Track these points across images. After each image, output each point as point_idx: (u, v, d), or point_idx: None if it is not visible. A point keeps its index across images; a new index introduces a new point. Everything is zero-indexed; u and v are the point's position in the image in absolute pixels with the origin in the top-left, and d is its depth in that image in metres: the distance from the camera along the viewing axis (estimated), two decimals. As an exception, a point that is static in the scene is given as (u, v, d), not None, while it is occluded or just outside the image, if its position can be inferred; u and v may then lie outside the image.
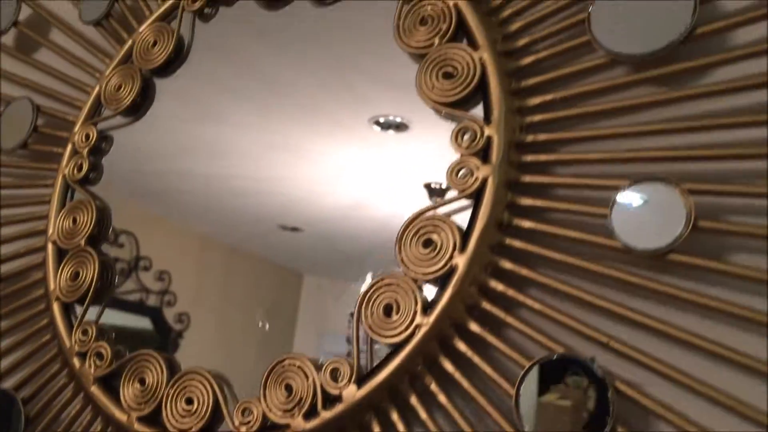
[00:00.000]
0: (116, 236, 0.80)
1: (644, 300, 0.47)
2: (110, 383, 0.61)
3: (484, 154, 0.51)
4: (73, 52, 0.78)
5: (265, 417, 0.54)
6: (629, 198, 0.47)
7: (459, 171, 0.52)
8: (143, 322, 0.93)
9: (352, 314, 0.59)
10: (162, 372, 0.59)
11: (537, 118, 0.52)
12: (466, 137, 0.52)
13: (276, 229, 0.79)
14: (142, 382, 0.60)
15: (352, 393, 0.51)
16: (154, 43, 0.69)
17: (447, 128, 0.53)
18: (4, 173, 0.77)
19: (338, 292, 0.73)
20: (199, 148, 0.74)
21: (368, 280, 0.59)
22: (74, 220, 0.67)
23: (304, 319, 0.77)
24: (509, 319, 0.50)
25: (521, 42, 0.54)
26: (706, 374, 0.44)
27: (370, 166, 0.65)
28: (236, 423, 0.55)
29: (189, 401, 0.57)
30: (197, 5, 0.68)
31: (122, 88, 0.69)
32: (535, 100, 0.53)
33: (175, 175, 0.78)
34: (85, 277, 0.65)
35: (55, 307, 0.65)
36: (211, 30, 0.70)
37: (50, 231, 0.68)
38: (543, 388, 0.47)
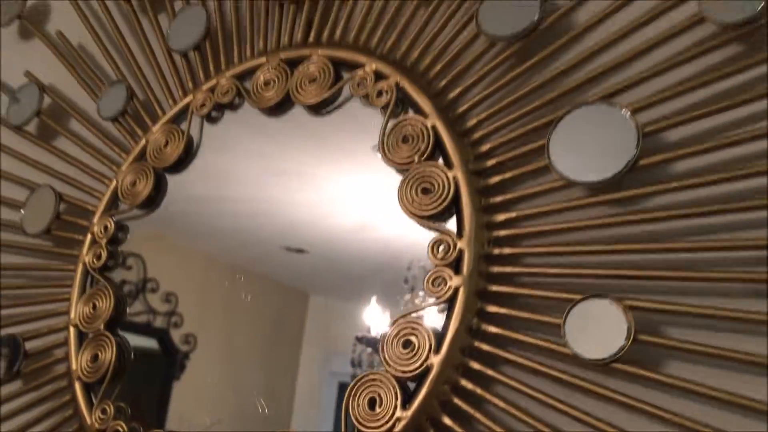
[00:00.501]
0: (124, 259, 0.85)
1: (595, 402, 0.54)
2: (126, 459, 0.69)
3: (456, 265, 0.58)
4: (92, 142, 0.86)
5: (264, 495, 0.61)
6: (581, 311, 0.54)
7: (434, 280, 0.59)
8: (150, 343, 0.96)
9: (357, 337, 0.66)
10: (172, 451, 0.66)
11: (503, 233, 0.59)
12: (440, 249, 0.59)
13: (281, 250, 0.84)
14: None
15: (340, 477, 0.58)
16: (166, 144, 0.77)
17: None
18: (29, 255, 0.85)
19: (344, 312, 0.79)
20: (206, 173, 0.80)
21: (373, 303, 0.66)
22: (94, 306, 0.75)
23: (310, 339, 0.82)
24: (477, 415, 0.56)
25: (490, 163, 0.61)
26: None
27: (374, 189, 0.70)
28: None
29: (197, 477, 0.64)
30: (205, 110, 0.76)
31: (137, 184, 0.77)
32: (501, 217, 0.60)
33: (182, 199, 0.84)
34: (104, 360, 0.72)
35: (77, 386, 0.73)
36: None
37: (72, 315, 0.76)
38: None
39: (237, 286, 0.90)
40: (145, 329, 0.95)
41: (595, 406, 0.54)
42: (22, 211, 0.85)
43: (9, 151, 0.91)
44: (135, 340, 0.91)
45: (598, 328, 0.53)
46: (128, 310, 0.83)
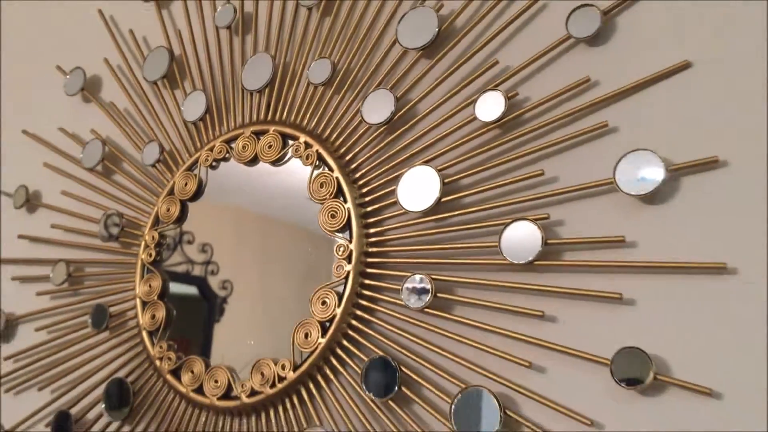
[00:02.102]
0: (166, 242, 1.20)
1: (423, 331, 1.00)
2: (177, 373, 1.18)
3: (349, 258, 1.05)
4: (139, 179, 1.34)
5: (252, 389, 1.09)
6: (409, 281, 1.01)
7: (336, 267, 1.06)
8: (191, 290, 1.19)
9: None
10: (202, 366, 1.15)
11: (374, 239, 1.05)
12: (341, 250, 1.06)
13: (305, 200, 1.09)
14: (192, 372, 1.16)
15: (291, 376, 1.06)
16: (186, 184, 1.24)
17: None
18: (107, 253, 1.34)
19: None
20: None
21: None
22: (150, 285, 1.23)
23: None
24: (361, 340, 1.04)
25: (368, 198, 1.07)
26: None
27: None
28: (239, 391, 1.11)
29: (216, 381, 1.13)
30: (207, 163, 1.22)
31: (170, 210, 1.24)
32: (373, 230, 1.06)
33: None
34: (158, 317, 1.20)
35: (143, 333, 1.22)
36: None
37: (137, 291, 1.24)
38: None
39: (267, 235, 1.15)
40: (184, 278, 1.17)
41: (423, 333, 1.00)
42: (99, 225, 1.34)
43: (86, 185, 1.40)
44: (177, 288, 1.17)
45: (417, 291, 1.00)
46: (168, 261, 1.19)
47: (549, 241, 0.92)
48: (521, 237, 0.94)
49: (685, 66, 0.90)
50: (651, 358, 0.84)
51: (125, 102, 1.39)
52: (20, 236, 1.47)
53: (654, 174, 0.87)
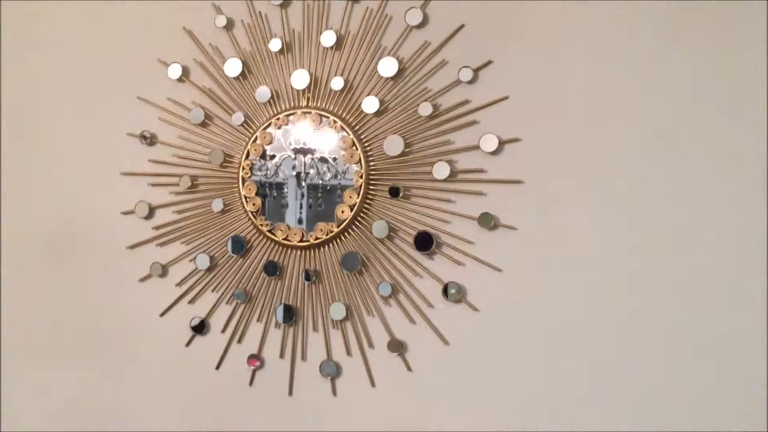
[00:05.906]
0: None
1: (399, 208, 2.31)
2: (271, 231, 2.41)
3: (361, 176, 2.31)
4: (231, 131, 2.48)
5: (316, 237, 2.36)
6: (393, 187, 2.30)
7: (356, 180, 2.32)
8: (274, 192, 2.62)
9: (295, 149, 2.39)
10: (287, 228, 2.40)
11: (372, 167, 2.31)
12: (356, 169, 2.32)
13: (335, 148, 2.53)
14: (281, 230, 2.40)
15: (335, 230, 2.33)
16: (264, 137, 2.41)
17: None
18: (218, 173, 2.50)
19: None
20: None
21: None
22: (249, 189, 2.42)
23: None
24: (370, 212, 2.33)
25: (369, 148, 2.32)
26: (407, 221, 2.31)
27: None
28: (309, 238, 2.38)
29: (295, 234, 2.38)
30: (277, 126, 2.40)
31: (256, 150, 2.42)
32: (372, 163, 2.31)
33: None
34: (257, 205, 2.41)
35: (249, 215, 2.42)
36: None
37: (241, 192, 2.43)
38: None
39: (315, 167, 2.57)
40: (269, 184, 2.58)
41: (398, 209, 2.31)
42: (208, 157, 2.48)
43: (197, 133, 2.51)
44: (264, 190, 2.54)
45: (396, 189, 2.29)
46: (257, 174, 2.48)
47: (452, 170, 2.24)
48: (441, 168, 2.25)
49: (505, 98, 2.20)
50: (493, 216, 2.20)
51: (211, 85, 2.50)
52: (150, 160, 2.58)
53: (494, 143, 2.20)
